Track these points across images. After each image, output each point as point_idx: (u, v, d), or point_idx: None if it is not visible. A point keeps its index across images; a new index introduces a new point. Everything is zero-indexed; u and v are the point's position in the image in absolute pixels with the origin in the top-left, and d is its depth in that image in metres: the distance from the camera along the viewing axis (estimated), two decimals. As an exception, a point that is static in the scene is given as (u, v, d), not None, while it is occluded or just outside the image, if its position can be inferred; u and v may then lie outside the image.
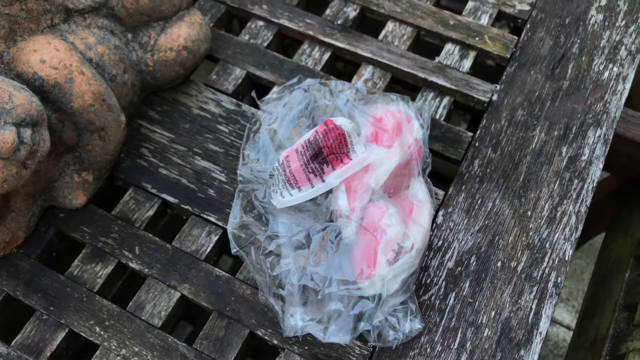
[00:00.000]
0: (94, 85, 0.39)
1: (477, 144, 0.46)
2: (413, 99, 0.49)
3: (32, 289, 0.41)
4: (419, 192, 0.41)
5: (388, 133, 0.40)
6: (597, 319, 0.62)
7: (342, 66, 1.12)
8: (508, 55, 0.50)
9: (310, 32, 0.51)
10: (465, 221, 0.43)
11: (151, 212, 0.44)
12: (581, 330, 0.66)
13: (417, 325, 0.37)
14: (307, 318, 0.37)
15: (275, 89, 0.47)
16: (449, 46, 0.51)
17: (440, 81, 0.49)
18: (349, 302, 0.36)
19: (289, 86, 0.45)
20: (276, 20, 0.52)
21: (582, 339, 0.64)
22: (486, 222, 0.43)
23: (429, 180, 0.43)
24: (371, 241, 0.37)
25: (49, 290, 0.41)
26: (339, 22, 0.52)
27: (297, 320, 0.37)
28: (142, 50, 0.45)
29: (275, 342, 0.39)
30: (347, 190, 0.38)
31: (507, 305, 0.40)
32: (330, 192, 0.39)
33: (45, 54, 0.38)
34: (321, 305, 0.36)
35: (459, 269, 0.41)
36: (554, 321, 1.29)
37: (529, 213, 0.43)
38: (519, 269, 0.41)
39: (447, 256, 0.42)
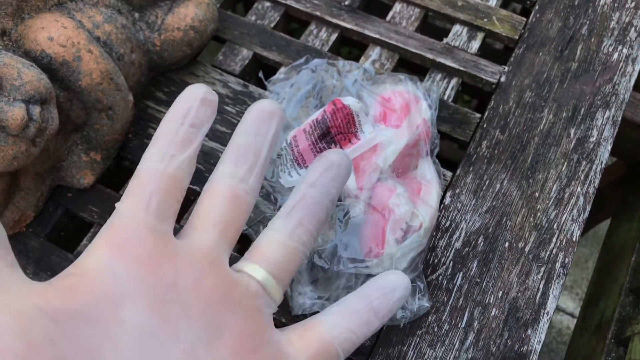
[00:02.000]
0: (102, 63, 0.39)
1: (485, 126, 0.46)
2: (421, 81, 0.48)
3: (41, 267, 0.41)
4: (427, 172, 0.41)
5: (396, 113, 0.40)
6: (602, 303, 0.62)
7: (347, 52, 1.11)
8: (516, 37, 0.50)
9: (318, 13, 0.51)
10: (473, 202, 0.43)
11: (159, 192, 0.44)
12: (586, 314, 0.66)
13: (425, 303, 0.37)
14: (316, 296, 0.37)
15: (282, 69, 0.47)
16: (457, 27, 0.51)
17: (448, 62, 0.48)
18: (358, 281, 0.36)
19: (296, 66, 0.45)
20: (283, 1, 0.52)
21: (587, 323, 0.64)
22: (494, 203, 0.43)
23: (437, 161, 0.42)
24: (379, 220, 0.37)
25: (57, 269, 0.41)
26: (346, 3, 0.52)
27: (305, 298, 0.37)
28: (149, 29, 0.45)
29: (284, 320, 0.39)
30: (355, 170, 0.38)
31: (515, 286, 0.40)
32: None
33: (53, 32, 0.37)
34: (329, 283, 0.36)
35: (467, 249, 0.41)
36: (557, 308, 1.30)
37: (536, 194, 0.43)
38: (527, 249, 0.41)
39: (455, 237, 0.42)
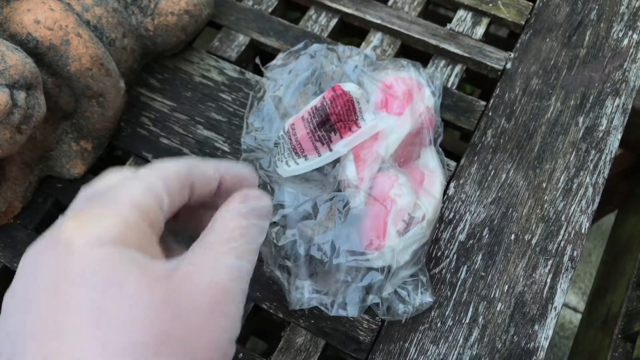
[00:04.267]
0: (92, 48, 0.37)
1: (490, 114, 0.44)
2: (424, 67, 0.47)
3: (29, 260, 0.40)
4: (430, 161, 0.39)
5: (398, 100, 0.39)
6: (608, 298, 0.60)
7: (347, 42, 1.09)
8: (523, 22, 0.48)
9: (317, -2, 0.49)
10: (478, 193, 0.41)
11: (152, 183, 0.42)
12: (592, 309, 0.64)
13: (428, 298, 0.36)
14: (314, 290, 0.35)
15: (280, 55, 0.45)
16: (461, 12, 0.49)
17: (452, 48, 0.47)
18: (357, 274, 0.35)
19: (295, 52, 0.43)
20: (281, -14, 0.50)
21: (592, 318, 0.63)
22: (499, 194, 0.41)
23: (440, 150, 0.41)
24: (381, 211, 0.35)
25: (46, 262, 0.39)
26: (347, -13, 0.50)
27: (303, 292, 0.36)
28: (142, 14, 0.43)
29: (281, 315, 0.38)
30: (355, 159, 0.37)
31: (521, 279, 0.38)
32: (338, 161, 0.37)
33: (39, 14, 0.36)
34: (328, 277, 0.35)
35: (471, 241, 0.40)
36: (560, 302, 1.28)
37: (543, 185, 0.41)
38: (534, 242, 0.40)
39: (459, 229, 0.40)
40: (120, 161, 0.44)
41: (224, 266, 0.23)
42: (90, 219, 0.22)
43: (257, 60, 0.45)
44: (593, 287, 0.68)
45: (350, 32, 0.52)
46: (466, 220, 0.40)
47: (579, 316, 1.29)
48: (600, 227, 1.29)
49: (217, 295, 0.22)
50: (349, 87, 0.36)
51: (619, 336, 0.55)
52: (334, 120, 0.36)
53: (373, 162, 0.36)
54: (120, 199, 0.22)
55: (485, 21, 0.48)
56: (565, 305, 1.28)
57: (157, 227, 0.23)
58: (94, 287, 0.20)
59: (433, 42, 0.47)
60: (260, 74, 0.46)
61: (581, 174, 0.42)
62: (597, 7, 0.48)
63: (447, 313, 0.37)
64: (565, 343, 1.27)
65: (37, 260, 0.22)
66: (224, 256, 0.23)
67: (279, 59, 0.44)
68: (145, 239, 0.22)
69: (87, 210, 0.22)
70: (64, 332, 0.19)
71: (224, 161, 0.27)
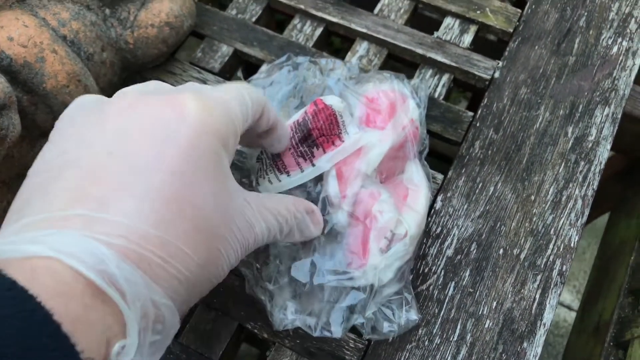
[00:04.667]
0: (68, 64, 0.37)
1: (478, 124, 0.44)
2: (413, 74, 0.46)
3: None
4: (415, 175, 0.38)
5: (381, 114, 0.38)
6: (600, 304, 0.60)
7: (340, 42, 1.08)
8: (511, 30, 0.47)
9: (302, 6, 0.48)
10: (466, 206, 0.41)
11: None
12: (584, 314, 0.64)
13: (414, 316, 0.35)
14: (297, 311, 0.35)
15: (263, 67, 0.44)
16: (448, 20, 0.48)
17: (439, 57, 0.46)
18: (341, 294, 0.34)
19: (278, 65, 0.43)
20: (265, -6, 0.49)
21: (585, 324, 0.62)
22: (487, 208, 0.41)
23: (425, 163, 0.40)
24: (363, 229, 0.34)
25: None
26: (332, -5, 0.49)
27: (286, 313, 0.35)
28: (122, 26, 0.42)
29: (266, 335, 0.37)
30: (338, 176, 0.36)
31: (510, 295, 0.38)
32: (320, 177, 0.36)
33: (12, 31, 0.35)
34: (311, 297, 0.34)
35: (459, 257, 0.39)
36: (554, 301, 1.28)
37: (532, 197, 0.41)
38: (522, 256, 0.39)
39: (446, 243, 0.39)
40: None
41: (265, 228, 0.28)
42: (208, 105, 0.25)
43: (240, 74, 0.44)
44: (585, 292, 0.67)
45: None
46: (454, 235, 0.40)
47: (573, 314, 1.29)
48: (595, 225, 1.29)
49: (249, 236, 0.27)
50: (332, 100, 0.35)
51: (611, 344, 0.55)
52: (316, 135, 0.35)
53: (355, 178, 0.36)
54: (231, 102, 0.26)
55: (473, 29, 0.48)
56: (560, 303, 1.28)
57: (238, 138, 0.27)
58: (188, 159, 0.23)
59: (420, 51, 0.46)
60: (244, 85, 0.45)
61: (570, 186, 0.41)
62: (586, 13, 0.48)
63: (434, 331, 0.37)
64: (559, 341, 1.27)
65: (144, 111, 0.24)
66: (267, 222, 0.29)
67: (261, 72, 0.43)
68: (235, 140, 0.27)
69: (205, 95, 0.25)
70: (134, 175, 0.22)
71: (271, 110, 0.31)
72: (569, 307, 1.29)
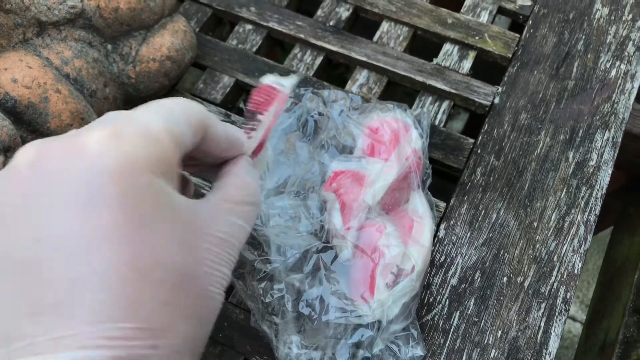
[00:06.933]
0: (72, 103, 0.37)
1: (479, 151, 0.44)
2: (413, 101, 0.46)
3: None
4: (419, 206, 0.39)
5: (385, 145, 0.38)
6: (605, 322, 0.60)
7: (342, 72, 1.08)
8: (510, 55, 0.48)
9: (302, 35, 0.49)
10: (469, 234, 0.41)
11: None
12: (589, 332, 0.64)
13: (420, 352, 0.35)
14: (303, 345, 0.35)
15: (265, 98, 0.44)
16: (447, 46, 0.49)
17: (439, 84, 0.46)
18: (347, 330, 0.34)
19: (280, 95, 0.43)
20: (265, 23, 0.50)
21: (590, 343, 0.62)
22: (490, 235, 0.41)
23: (428, 192, 0.40)
24: (369, 264, 0.35)
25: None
26: (331, 23, 0.50)
27: (291, 347, 0.35)
28: (124, 61, 0.42)
29: (271, 369, 0.37)
30: (341, 208, 0.36)
31: (514, 324, 0.38)
32: (325, 208, 0.37)
33: (17, 73, 0.35)
34: (317, 333, 0.34)
35: (463, 285, 0.39)
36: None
37: (535, 224, 0.41)
38: (526, 284, 0.39)
39: (450, 272, 0.40)
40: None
41: (231, 223, 0.25)
42: (122, 135, 0.21)
43: (242, 105, 0.44)
44: (590, 309, 0.67)
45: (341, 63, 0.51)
46: (457, 264, 0.40)
47: (578, 325, 1.28)
48: (598, 236, 1.29)
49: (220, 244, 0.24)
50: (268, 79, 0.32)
51: (617, 364, 0.55)
52: (254, 108, 0.32)
53: (360, 211, 0.36)
54: (155, 124, 0.22)
55: (472, 55, 0.48)
56: (564, 315, 1.27)
57: (179, 159, 0.23)
58: (124, 212, 0.20)
59: (419, 78, 0.46)
60: (246, 116, 0.45)
61: (572, 211, 0.41)
62: (584, 36, 0.48)
63: (440, 362, 0.37)
64: (564, 353, 1.26)
65: (51, 168, 0.20)
66: (233, 214, 0.25)
67: (263, 104, 0.43)
68: (171, 167, 0.22)
69: (118, 126, 0.21)
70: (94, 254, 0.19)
71: (230, 126, 0.27)
72: (573, 318, 1.29)
